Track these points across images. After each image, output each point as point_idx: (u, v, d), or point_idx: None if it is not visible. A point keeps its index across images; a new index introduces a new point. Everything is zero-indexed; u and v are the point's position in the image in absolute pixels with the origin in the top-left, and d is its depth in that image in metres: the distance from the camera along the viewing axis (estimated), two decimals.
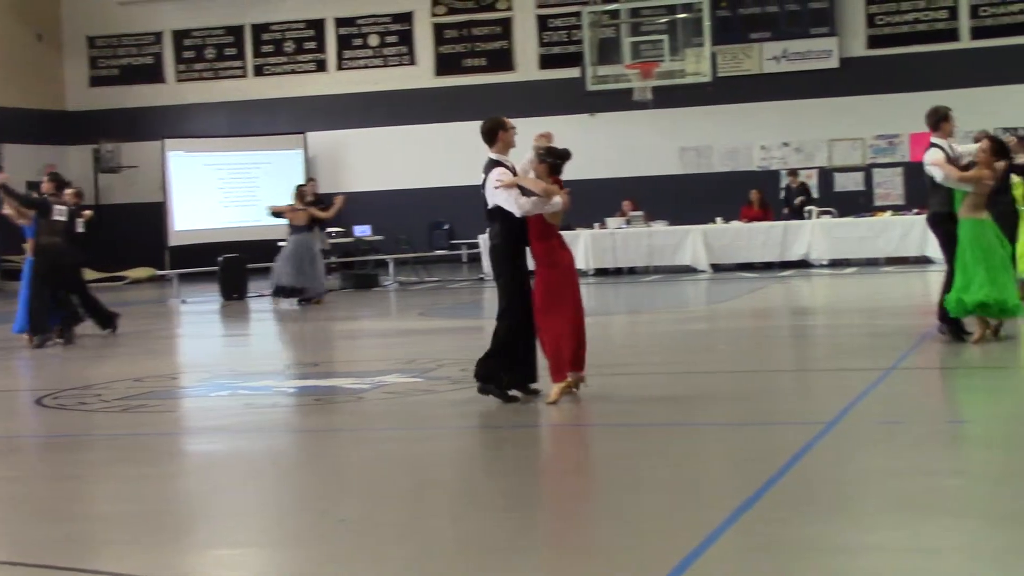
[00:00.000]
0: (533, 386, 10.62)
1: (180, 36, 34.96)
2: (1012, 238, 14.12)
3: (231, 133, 33.80)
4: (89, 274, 30.43)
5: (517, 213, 10.25)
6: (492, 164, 10.44)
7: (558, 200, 10.21)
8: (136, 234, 32.89)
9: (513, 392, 10.50)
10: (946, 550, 6.04)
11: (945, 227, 12.86)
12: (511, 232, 10.34)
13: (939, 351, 12.79)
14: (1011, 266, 12.84)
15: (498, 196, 10.29)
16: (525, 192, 10.27)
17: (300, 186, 23.85)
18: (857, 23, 31.22)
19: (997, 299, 12.31)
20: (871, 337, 14.37)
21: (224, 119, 34.55)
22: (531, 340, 10.49)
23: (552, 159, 10.41)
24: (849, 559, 5.99)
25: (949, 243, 12.73)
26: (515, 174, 10.36)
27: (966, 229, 12.48)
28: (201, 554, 6.71)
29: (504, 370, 10.46)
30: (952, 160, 12.75)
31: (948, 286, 12.59)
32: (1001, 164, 12.96)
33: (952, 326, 12.80)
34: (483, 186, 10.50)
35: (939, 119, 13.06)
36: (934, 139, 12.95)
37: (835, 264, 25.05)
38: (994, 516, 6.55)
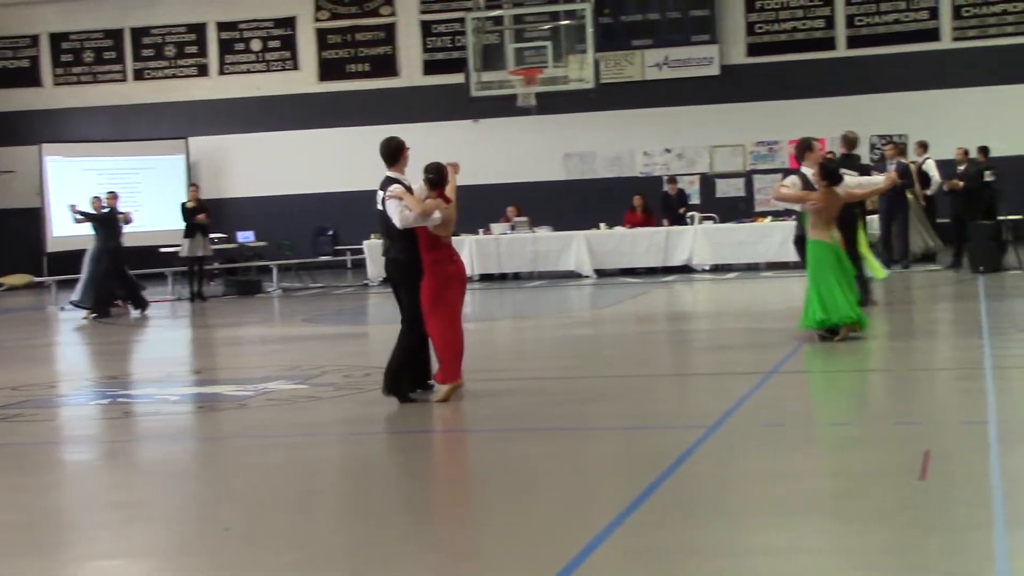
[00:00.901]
0: (429, 382, 11.12)
1: (57, 39, 34.37)
2: (851, 243, 15.01)
3: (111, 138, 33.30)
4: None
5: (399, 225, 10.69)
6: (389, 181, 10.88)
7: (437, 216, 10.66)
8: (13, 240, 32.30)
9: (413, 395, 10.94)
10: (825, 551, 6.15)
11: (799, 248, 14.38)
12: (414, 248, 10.83)
13: (819, 355, 13.01)
14: (851, 285, 13.62)
15: (389, 206, 10.73)
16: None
17: (95, 197, 23.10)
18: (737, 31, 31.64)
19: (841, 319, 13.30)
20: (753, 341, 14.57)
21: (104, 124, 34.04)
22: (427, 347, 11.03)
23: (427, 175, 10.88)
24: (732, 561, 6.08)
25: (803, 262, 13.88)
26: (411, 192, 10.75)
27: (809, 249, 13.51)
28: (82, 565, 6.62)
29: (407, 376, 10.96)
30: (811, 188, 13.58)
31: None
32: (839, 189, 13.57)
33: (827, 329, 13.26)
34: (381, 204, 10.91)
35: (804, 149, 13.98)
36: (802, 168, 13.84)
37: (717, 269, 25.34)
38: (870, 516, 6.68)
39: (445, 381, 10.81)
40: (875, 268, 16.35)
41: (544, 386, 11.96)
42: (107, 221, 22.22)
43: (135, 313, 22.14)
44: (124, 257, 22.55)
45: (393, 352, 10.96)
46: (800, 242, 14.47)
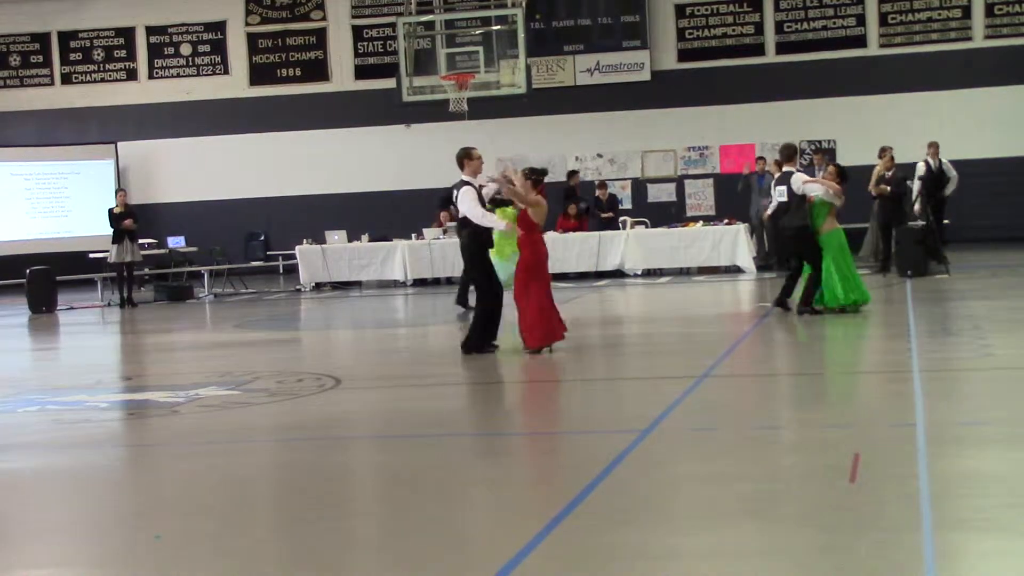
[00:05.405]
0: (494, 343, 13.83)
1: None
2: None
3: (39, 142, 32.97)
4: None
5: (467, 215, 13.60)
6: (461, 183, 13.77)
7: (501, 223, 13.74)
8: None
9: (489, 348, 13.71)
10: (755, 553, 6.20)
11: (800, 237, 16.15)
12: (476, 235, 13.72)
13: (750, 358, 13.09)
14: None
15: (462, 203, 13.60)
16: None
17: None
18: (668, 37, 31.82)
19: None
20: (684, 345, 14.65)
21: (31, 128, 33.68)
22: (498, 313, 13.83)
23: (534, 176, 13.66)
24: (664, 564, 6.11)
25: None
26: (479, 193, 13.66)
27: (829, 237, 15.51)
28: (9, 575, 6.54)
29: (480, 336, 13.74)
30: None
31: None
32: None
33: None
34: (455, 199, 13.81)
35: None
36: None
37: (649, 273, 25.45)
38: (800, 518, 6.74)
39: (533, 345, 13.52)
40: None
41: (476, 391, 11.97)
42: None
43: None
44: None
45: (473, 319, 13.88)
46: (802, 232, 16.07)
